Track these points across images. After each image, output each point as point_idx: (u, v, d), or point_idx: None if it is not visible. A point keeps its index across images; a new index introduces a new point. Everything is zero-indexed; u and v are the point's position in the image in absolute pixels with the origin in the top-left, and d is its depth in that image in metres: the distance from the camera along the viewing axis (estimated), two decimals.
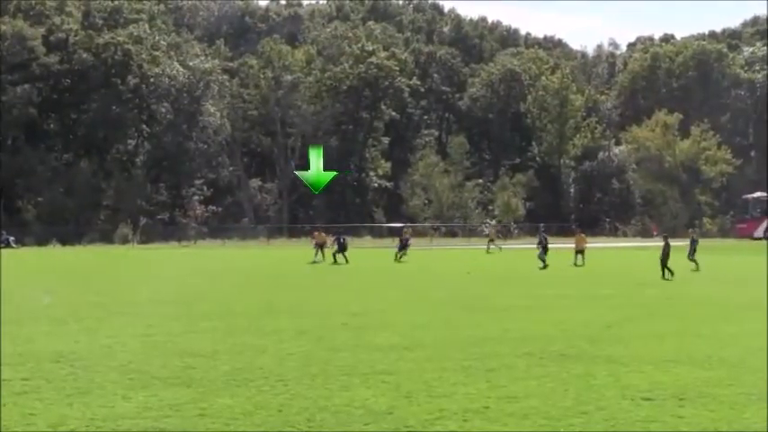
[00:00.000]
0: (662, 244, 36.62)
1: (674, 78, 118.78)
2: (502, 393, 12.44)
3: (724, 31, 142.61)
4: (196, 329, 19.18)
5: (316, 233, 50.78)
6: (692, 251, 42.58)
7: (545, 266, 40.83)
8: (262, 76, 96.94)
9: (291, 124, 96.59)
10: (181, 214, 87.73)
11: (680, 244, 42.51)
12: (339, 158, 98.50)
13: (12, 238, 66.51)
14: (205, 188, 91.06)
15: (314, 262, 46.08)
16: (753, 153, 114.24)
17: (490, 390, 12.69)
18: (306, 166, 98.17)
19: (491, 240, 59.99)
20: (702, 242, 61.03)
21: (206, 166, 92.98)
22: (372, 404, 11.76)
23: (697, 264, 40.52)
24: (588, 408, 11.65)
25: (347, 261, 44.82)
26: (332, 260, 45.33)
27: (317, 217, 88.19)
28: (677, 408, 11.75)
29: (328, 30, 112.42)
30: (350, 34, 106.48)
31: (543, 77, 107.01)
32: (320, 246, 48.27)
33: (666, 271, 35.30)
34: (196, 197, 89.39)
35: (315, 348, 16.58)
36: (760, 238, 77.35)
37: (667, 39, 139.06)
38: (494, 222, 69.65)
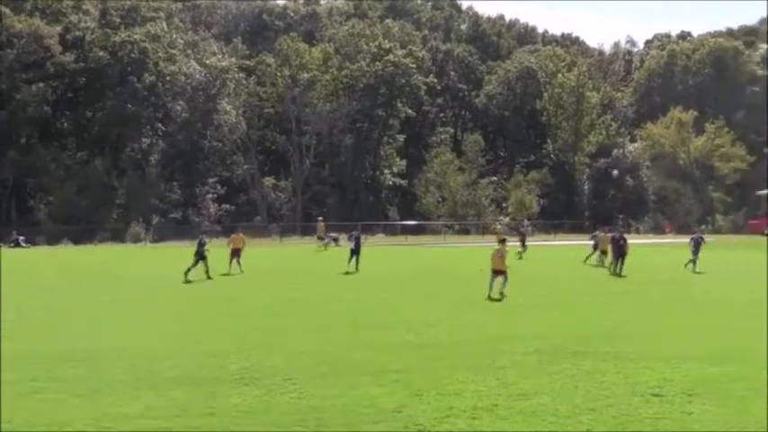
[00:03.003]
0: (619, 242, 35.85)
1: (691, 75, 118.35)
2: (512, 391, 12.44)
3: (741, 28, 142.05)
4: (205, 329, 19.21)
5: (234, 235, 38.78)
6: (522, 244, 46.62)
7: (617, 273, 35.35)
8: (278, 74, 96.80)
9: (307, 122, 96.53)
10: (194, 213, 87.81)
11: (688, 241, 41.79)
12: (354, 156, 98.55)
13: (22, 238, 65.86)
14: (218, 186, 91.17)
15: (228, 274, 34.99)
16: (766, 150, 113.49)
17: (500, 387, 12.68)
18: (321, 164, 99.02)
19: (320, 237, 58.88)
20: (714, 238, 60.69)
21: (220, 164, 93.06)
22: (382, 402, 11.77)
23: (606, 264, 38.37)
24: (598, 404, 11.64)
25: (354, 263, 37.10)
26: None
27: (330, 215, 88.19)
28: (686, 404, 11.73)
29: (346, 28, 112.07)
30: (367, 32, 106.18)
31: (560, 75, 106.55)
32: (235, 252, 36.82)
33: (621, 267, 34.72)
34: (209, 195, 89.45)
35: (324, 347, 16.59)
36: None
37: (684, 36, 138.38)
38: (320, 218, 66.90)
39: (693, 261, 37.44)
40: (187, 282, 31.08)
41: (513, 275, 28.24)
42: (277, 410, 11.35)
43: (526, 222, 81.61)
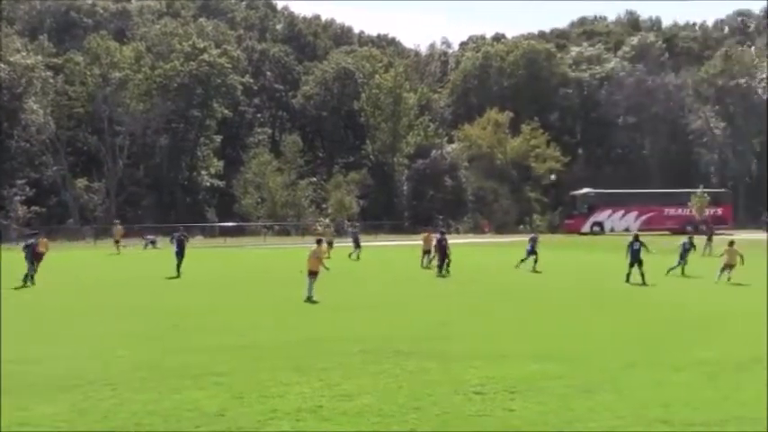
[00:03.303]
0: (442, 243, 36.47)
1: (505, 77, 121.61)
2: (336, 392, 12.38)
3: (552, 31, 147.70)
4: (15, 334, 18.29)
5: (42, 239, 35.84)
6: (356, 245, 48.30)
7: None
8: (88, 72, 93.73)
9: (120, 122, 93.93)
10: (1, 216, 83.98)
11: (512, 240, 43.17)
12: (170, 157, 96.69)
13: None
14: (27, 188, 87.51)
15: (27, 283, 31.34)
16: (580, 151, 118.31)
17: (324, 388, 12.60)
18: (136, 165, 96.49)
19: (117, 242, 57.29)
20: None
21: (28, 165, 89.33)
22: (204, 406, 11.53)
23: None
24: (421, 403, 11.71)
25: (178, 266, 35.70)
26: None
27: (146, 217, 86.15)
28: (508, 401, 11.95)
29: (158, 26, 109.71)
30: (180, 31, 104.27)
31: (377, 76, 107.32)
32: (39, 256, 33.74)
33: (445, 268, 35.42)
34: (18, 198, 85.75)
35: (144, 351, 16.10)
36: (587, 234, 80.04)
37: (498, 38, 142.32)
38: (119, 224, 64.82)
39: (524, 260, 38.93)
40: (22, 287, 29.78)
41: (340, 276, 28.29)
42: (95, 417, 10.92)
43: (347, 223, 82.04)
